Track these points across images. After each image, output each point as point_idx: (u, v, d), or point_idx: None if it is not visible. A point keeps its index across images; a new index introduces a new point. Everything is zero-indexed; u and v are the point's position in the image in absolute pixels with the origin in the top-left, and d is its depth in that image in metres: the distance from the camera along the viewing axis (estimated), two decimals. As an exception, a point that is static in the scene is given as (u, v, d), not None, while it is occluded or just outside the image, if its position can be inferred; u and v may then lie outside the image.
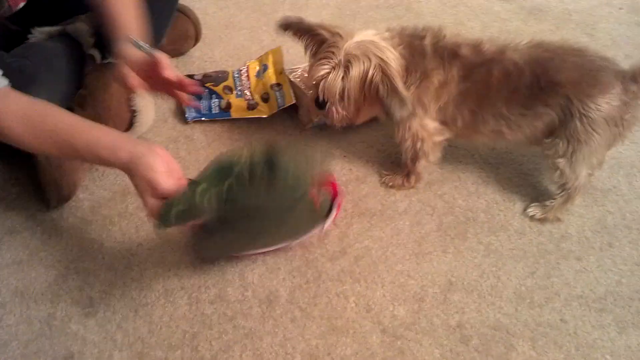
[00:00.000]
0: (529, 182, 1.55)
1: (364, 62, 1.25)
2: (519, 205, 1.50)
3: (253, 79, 1.72)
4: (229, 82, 1.72)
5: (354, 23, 1.96)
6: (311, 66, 1.34)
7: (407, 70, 1.31)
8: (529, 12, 2.07)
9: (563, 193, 1.41)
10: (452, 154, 1.60)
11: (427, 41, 1.32)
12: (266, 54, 1.76)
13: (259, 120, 1.64)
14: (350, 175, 1.55)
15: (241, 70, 1.75)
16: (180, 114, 1.65)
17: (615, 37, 1.98)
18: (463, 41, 1.33)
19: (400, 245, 1.41)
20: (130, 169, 1.04)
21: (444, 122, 1.38)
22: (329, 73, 1.28)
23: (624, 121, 1.29)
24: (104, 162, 1.06)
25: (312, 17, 1.92)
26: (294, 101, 1.64)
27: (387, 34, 1.33)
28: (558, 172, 1.37)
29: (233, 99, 1.66)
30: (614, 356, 1.25)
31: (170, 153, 1.06)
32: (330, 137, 1.62)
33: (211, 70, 1.76)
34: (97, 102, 1.44)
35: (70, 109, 1.39)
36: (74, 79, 1.43)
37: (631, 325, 1.29)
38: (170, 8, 1.63)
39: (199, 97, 1.65)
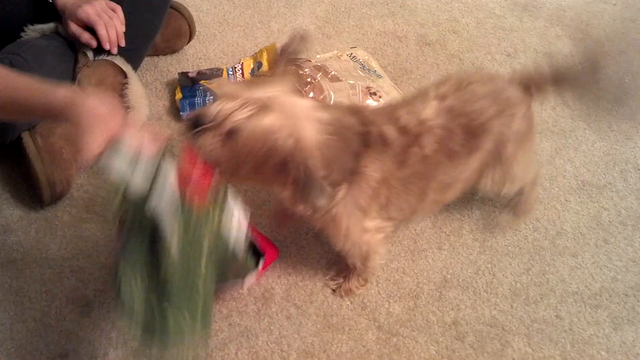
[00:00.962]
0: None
1: (279, 124, 0.95)
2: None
3: (248, 77, 1.71)
4: (223, 79, 1.71)
5: (348, 20, 1.95)
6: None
7: (329, 165, 1.00)
8: (524, 9, 2.06)
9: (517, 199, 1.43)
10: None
11: (355, 129, 1.08)
12: (260, 51, 1.75)
13: (253, 117, 1.64)
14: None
15: (235, 67, 1.74)
16: (175, 112, 1.64)
17: (609, 33, 1.98)
18: (382, 120, 1.14)
19: (395, 242, 1.41)
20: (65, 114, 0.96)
21: (388, 218, 1.22)
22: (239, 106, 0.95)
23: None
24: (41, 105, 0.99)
25: (306, 14, 1.93)
26: (288, 98, 1.64)
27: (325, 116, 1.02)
28: (503, 194, 1.35)
29: (227, 96, 1.65)
30: (609, 352, 1.25)
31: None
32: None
33: (205, 68, 1.75)
34: (90, 100, 1.43)
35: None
36: (65, 77, 1.43)
37: (626, 322, 1.30)
38: (164, 5, 1.63)
39: (192, 94, 1.64)
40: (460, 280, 1.35)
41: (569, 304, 1.33)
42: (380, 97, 1.66)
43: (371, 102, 1.65)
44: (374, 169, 1.10)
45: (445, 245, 1.41)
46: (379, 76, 1.72)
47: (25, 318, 1.23)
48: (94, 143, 0.92)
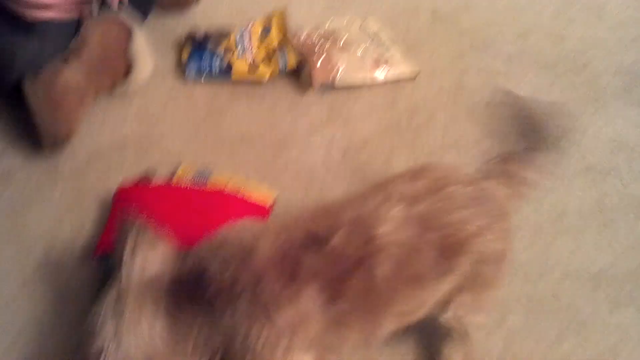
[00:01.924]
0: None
1: None
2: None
3: (255, 41, 1.69)
4: (231, 43, 1.68)
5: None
6: None
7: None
8: (537, -8, 2.05)
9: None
10: (453, 127, 1.59)
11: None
12: (270, 15, 1.73)
13: (259, 83, 1.62)
14: (349, 142, 1.54)
15: (244, 31, 1.71)
16: (180, 73, 1.62)
17: (623, 18, 1.97)
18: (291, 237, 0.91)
19: (397, 213, 1.40)
20: None
21: (326, 349, 0.94)
22: None
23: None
24: None
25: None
26: (296, 66, 1.62)
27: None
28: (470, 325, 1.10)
29: (234, 60, 1.63)
30: (604, 333, 1.26)
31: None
32: (331, 104, 1.60)
33: (213, 30, 1.73)
34: (93, 53, 1.41)
35: (65, 59, 1.37)
36: (69, 30, 1.42)
37: (623, 304, 1.30)
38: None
39: (200, 56, 1.62)
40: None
41: (567, 284, 1.33)
42: (389, 67, 1.65)
43: (380, 73, 1.64)
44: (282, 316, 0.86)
45: (447, 219, 1.40)
46: (389, 48, 1.70)
47: (22, 264, 1.22)
48: None
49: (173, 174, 1.37)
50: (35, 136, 1.37)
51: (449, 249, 0.92)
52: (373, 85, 1.65)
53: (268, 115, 1.56)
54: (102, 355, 0.85)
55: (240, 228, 0.97)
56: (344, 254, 0.88)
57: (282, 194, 1.39)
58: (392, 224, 0.90)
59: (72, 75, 1.38)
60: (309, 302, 0.87)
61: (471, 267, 0.95)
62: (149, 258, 0.92)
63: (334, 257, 0.88)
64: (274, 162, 1.46)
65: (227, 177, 1.37)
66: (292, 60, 1.62)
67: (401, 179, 0.98)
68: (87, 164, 1.39)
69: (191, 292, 0.87)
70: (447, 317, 1.05)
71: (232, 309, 0.85)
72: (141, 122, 1.48)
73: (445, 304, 1.02)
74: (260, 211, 1.30)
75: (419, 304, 0.96)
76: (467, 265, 0.94)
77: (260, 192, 1.34)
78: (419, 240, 0.90)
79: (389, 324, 0.96)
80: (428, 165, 1.04)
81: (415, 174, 0.99)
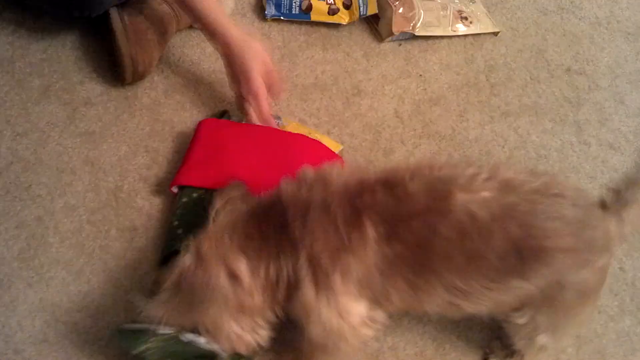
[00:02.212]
0: (608, 126, 1.50)
1: None
2: (594, 149, 1.46)
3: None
4: (312, -17, 1.67)
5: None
6: None
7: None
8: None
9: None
10: (533, 88, 1.55)
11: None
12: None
13: (337, 26, 1.61)
14: (424, 95, 1.51)
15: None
16: (260, 10, 1.62)
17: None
18: (366, 177, 0.93)
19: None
20: (229, 53, 1.28)
21: (374, 300, 0.93)
22: None
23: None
24: (215, 30, 1.27)
25: None
26: (376, 11, 1.60)
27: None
28: (533, 345, 1.04)
29: (315, 1, 1.62)
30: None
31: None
32: (408, 54, 1.58)
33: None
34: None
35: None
36: None
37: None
38: None
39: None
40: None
41: (634, 258, 1.30)
42: (471, 22, 1.61)
43: (461, 27, 1.60)
44: (333, 236, 0.88)
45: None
46: (473, 1, 1.66)
47: (98, 189, 1.26)
48: (258, 79, 1.26)
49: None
50: (116, 66, 1.40)
51: (527, 251, 0.86)
52: (453, 38, 1.62)
53: (342, 62, 1.55)
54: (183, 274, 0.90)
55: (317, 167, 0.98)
56: (414, 199, 0.87)
57: (350, 142, 1.40)
58: (476, 196, 0.86)
59: (157, 6, 1.40)
60: (366, 231, 0.87)
61: (548, 285, 0.89)
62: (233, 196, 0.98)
63: (403, 198, 0.88)
64: (344, 110, 1.46)
65: (295, 125, 1.38)
66: (372, 5, 1.59)
67: (516, 170, 0.92)
68: (165, 96, 1.41)
69: (265, 221, 0.91)
70: (515, 328, 1.01)
71: (300, 226, 0.88)
72: (218, 59, 1.48)
73: (508, 311, 0.98)
74: (336, 158, 1.31)
75: (473, 289, 0.90)
76: (543, 280, 0.88)
77: (327, 144, 1.34)
78: (496, 225, 0.85)
79: (438, 295, 0.91)
80: (550, 174, 1.02)
81: (533, 172, 0.94)
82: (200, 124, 1.30)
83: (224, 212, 0.96)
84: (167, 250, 1.14)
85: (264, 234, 0.91)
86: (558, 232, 0.86)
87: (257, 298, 0.92)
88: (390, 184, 0.89)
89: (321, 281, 0.88)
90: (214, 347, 0.98)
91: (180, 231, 1.15)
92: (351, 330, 0.93)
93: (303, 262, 0.88)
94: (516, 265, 0.87)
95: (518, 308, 0.97)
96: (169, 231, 1.18)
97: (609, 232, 0.92)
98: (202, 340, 0.98)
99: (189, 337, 0.97)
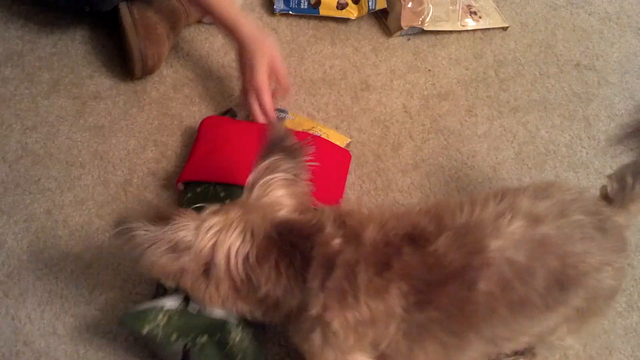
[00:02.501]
0: (617, 122, 1.49)
1: None
2: (603, 145, 1.45)
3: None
4: (321, -22, 1.67)
5: None
6: None
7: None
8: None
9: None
10: (542, 83, 1.55)
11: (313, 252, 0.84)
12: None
13: (346, 21, 1.61)
14: (432, 90, 1.51)
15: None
16: (269, 5, 1.62)
17: None
18: (390, 231, 0.86)
19: (474, 167, 1.39)
20: (239, 47, 1.30)
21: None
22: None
23: None
24: (226, 24, 1.30)
25: None
26: (385, 6, 1.60)
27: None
28: (556, 347, 1.05)
29: (324, -5, 1.62)
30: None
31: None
32: (417, 49, 1.58)
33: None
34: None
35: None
36: None
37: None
38: None
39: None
40: (536, 214, 1.33)
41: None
42: (480, 17, 1.60)
43: (470, 21, 1.60)
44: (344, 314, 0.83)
45: (526, 178, 1.38)
46: (483, -4, 1.66)
47: (107, 182, 1.27)
48: (262, 73, 1.28)
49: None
50: (125, 61, 1.40)
51: (567, 280, 0.84)
52: (462, 33, 1.62)
53: (351, 57, 1.55)
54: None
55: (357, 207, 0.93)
56: (446, 259, 0.82)
57: (358, 137, 1.40)
58: (508, 240, 0.82)
59: (167, 1, 1.40)
60: (394, 302, 0.82)
61: (583, 302, 0.88)
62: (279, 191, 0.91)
63: (434, 260, 0.83)
64: (353, 105, 1.46)
65: (301, 119, 1.38)
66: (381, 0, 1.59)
67: (524, 194, 0.89)
68: (174, 91, 1.41)
69: (293, 242, 0.85)
70: (542, 339, 0.98)
71: (320, 281, 0.83)
72: (226, 53, 1.49)
73: (543, 336, 0.96)
74: (343, 154, 1.31)
75: (517, 333, 0.89)
76: (580, 300, 0.87)
77: (334, 137, 1.34)
78: (535, 264, 0.82)
79: (475, 349, 0.88)
80: (554, 184, 0.96)
81: (540, 191, 0.90)
82: (202, 122, 1.30)
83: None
84: None
85: (285, 259, 0.85)
86: (589, 252, 0.85)
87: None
88: (417, 240, 0.84)
89: (332, 341, 0.86)
90: (222, 314, 0.97)
91: None
92: None
93: (314, 316, 0.84)
94: (558, 297, 0.85)
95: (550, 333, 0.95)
96: None
97: (622, 229, 0.91)
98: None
99: (196, 307, 0.97)
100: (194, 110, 1.39)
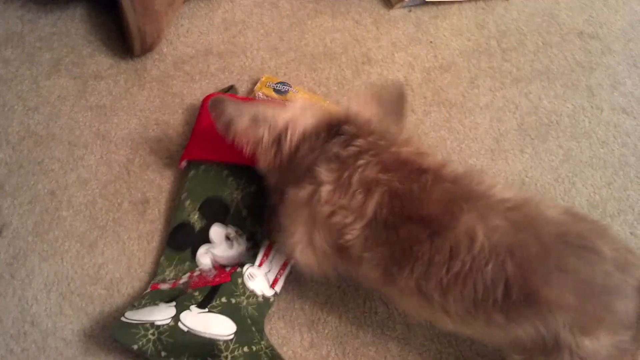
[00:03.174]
0: (621, 90, 1.48)
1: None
2: (606, 114, 1.44)
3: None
4: (320, -50, 1.65)
5: None
6: None
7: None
8: None
9: None
10: (544, 53, 1.53)
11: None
12: None
13: (346, -7, 1.59)
14: (434, 62, 1.50)
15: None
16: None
17: None
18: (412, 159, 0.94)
19: (477, 139, 1.38)
20: None
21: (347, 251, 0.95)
22: None
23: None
24: None
25: None
26: (386, -23, 1.58)
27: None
28: None
29: (323, -32, 1.60)
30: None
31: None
32: (418, 21, 1.56)
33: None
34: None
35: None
36: None
37: None
38: None
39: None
40: (538, 185, 1.33)
41: (644, 227, 1.30)
42: (482, -13, 1.58)
43: (472, -8, 1.57)
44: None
45: (528, 149, 1.37)
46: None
47: (110, 162, 1.28)
48: None
49: (255, 83, 1.38)
50: (124, 40, 1.40)
51: (517, 291, 0.80)
52: (464, 3, 1.60)
53: (352, 30, 1.54)
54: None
55: None
56: (429, 200, 0.87)
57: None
58: (486, 220, 0.84)
59: (163, -23, 1.40)
60: (371, 202, 0.90)
61: (542, 338, 0.82)
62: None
63: (420, 195, 0.88)
64: (354, 79, 1.45)
65: (304, 94, 1.38)
66: (382, -29, 1.58)
67: (555, 206, 0.88)
68: (174, 68, 1.41)
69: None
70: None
71: (337, 148, 0.95)
72: (226, 29, 1.49)
73: (502, 347, 0.94)
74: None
75: (449, 305, 0.87)
76: (533, 329, 0.82)
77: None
78: (491, 260, 0.82)
79: (408, 293, 0.90)
80: (598, 223, 0.91)
81: (575, 215, 0.87)
82: (204, 99, 1.30)
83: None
84: (175, 223, 1.16)
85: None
86: (561, 286, 0.79)
87: None
88: (423, 173, 0.90)
89: (313, 202, 0.94)
90: (212, 332, 1.00)
91: (187, 203, 1.17)
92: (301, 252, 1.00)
93: (313, 174, 0.95)
94: (502, 301, 0.82)
95: (514, 349, 0.90)
96: (177, 204, 1.19)
97: (629, 309, 0.81)
98: (200, 328, 1.00)
99: (187, 324, 1.00)
100: (195, 87, 1.39)
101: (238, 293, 1.06)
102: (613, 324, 0.79)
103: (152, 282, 1.11)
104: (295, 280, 1.17)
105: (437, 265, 0.85)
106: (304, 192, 0.95)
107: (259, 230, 1.17)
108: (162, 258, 1.13)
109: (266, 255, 1.13)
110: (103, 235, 1.19)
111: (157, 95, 1.37)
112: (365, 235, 0.91)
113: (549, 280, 0.79)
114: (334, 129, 0.97)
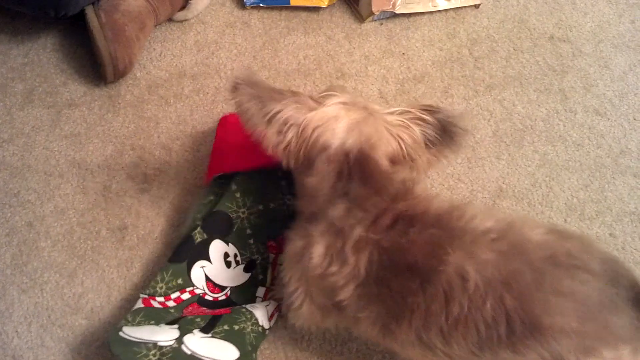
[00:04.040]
0: (593, 92, 1.49)
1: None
2: (580, 116, 1.45)
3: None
4: (290, -33, 1.66)
5: None
6: None
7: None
8: None
9: None
10: (516, 59, 1.54)
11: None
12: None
13: (317, 9, 1.60)
14: (407, 73, 1.51)
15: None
16: (239, -1, 1.61)
17: None
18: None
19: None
20: None
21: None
22: None
23: None
24: None
25: None
26: (356, -9, 1.59)
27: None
28: None
29: (293, -15, 1.61)
30: (661, 274, 1.24)
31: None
32: (390, 33, 1.57)
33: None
34: (153, -21, 1.43)
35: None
36: None
37: (682, 246, 1.28)
38: None
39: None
40: (516, 191, 1.33)
41: (624, 223, 1.31)
42: (451, -3, 1.59)
43: (442, 1, 1.59)
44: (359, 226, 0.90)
45: (504, 155, 1.38)
46: (452, -25, 1.65)
47: (86, 190, 1.27)
48: None
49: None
50: (97, 67, 1.40)
51: (519, 324, 0.79)
52: (434, 14, 1.61)
53: (324, 46, 1.54)
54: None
55: None
56: (415, 248, 0.86)
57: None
58: (474, 257, 0.82)
59: (133, 2, 1.40)
60: (363, 261, 0.88)
61: None
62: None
63: (407, 245, 0.86)
64: (330, 93, 1.46)
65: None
66: (351, -14, 1.59)
67: (538, 226, 0.86)
68: (148, 92, 1.41)
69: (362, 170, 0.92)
70: None
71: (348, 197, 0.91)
72: (199, 50, 1.49)
73: None
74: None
75: (454, 352, 0.85)
76: (539, 358, 0.80)
77: None
78: (489, 297, 0.80)
79: (409, 344, 0.89)
80: (582, 238, 0.88)
81: (560, 233, 0.86)
82: (220, 120, 1.29)
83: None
84: (180, 239, 1.15)
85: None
86: (560, 311, 0.78)
87: None
88: (410, 221, 0.88)
89: (304, 259, 0.93)
90: (215, 357, 0.99)
91: (196, 216, 1.16)
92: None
93: (314, 218, 0.93)
94: (506, 337, 0.80)
95: None
96: (192, 221, 1.18)
97: (632, 322, 0.80)
98: (203, 352, 0.99)
99: (191, 347, 0.98)
100: (170, 110, 1.39)
101: (243, 319, 1.05)
102: (613, 340, 0.78)
103: (142, 294, 1.09)
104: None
105: (434, 313, 0.83)
106: (298, 243, 0.94)
107: (259, 254, 1.17)
108: (158, 272, 1.11)
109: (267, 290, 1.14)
110: (82, 265, 1.18)
111: (132, 121, 1.36)
112: (359, 294, 0.89)
113: (548, 307, 0.78)
114: (346, 172, 0.91)
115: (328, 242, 0.90)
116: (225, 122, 1.28)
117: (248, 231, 1.16)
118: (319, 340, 1.14)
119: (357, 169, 0.91)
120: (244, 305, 1.09)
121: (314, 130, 0.92)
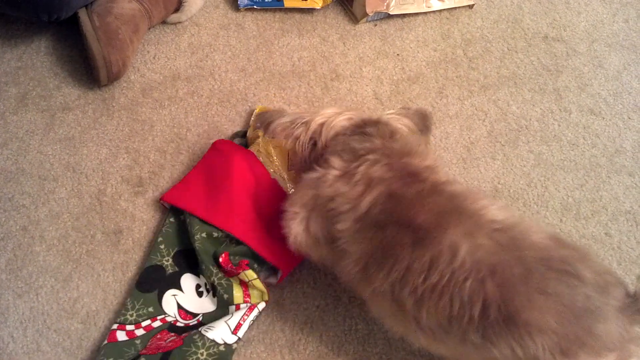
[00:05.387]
0: (588, 91, 1.49)
1: None
2: (574, 116, 1.45)
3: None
4: (284, -31, 1.66)
5: None
6: None
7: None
8: None
9: None
10: (511, 59, 1.55)
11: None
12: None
13: (311, 11, 1.60)
14: (402, 74, 1.51)
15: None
16: (233, 1, 1.61)
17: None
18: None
19: (448, 149, 1.39)
20: None
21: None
22: None
23: None
24: None
25: None
26: (349, -7, 1.59)
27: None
28: None
29: (287, -14, 1.61)
30: (657, 272, 1.24)
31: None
32: (384, 34, 1.57)
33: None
34: (146, -18, 1.42)
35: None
36: None
37: (678, 245, 1.28)
38: None
39: (252, -16, 1.60)
40: (511, 191, 1.34)
41: (620, 222, 1.31)
42: (445, -3, 1.60)
43: (436, 2, 1.59)
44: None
45: (499, 156, 1.38)
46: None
47: (81, 194, 1.27)
48: None
49: (250, 115, 1.40)
50: (90, 70, 1.39)
51: (495, 312, 0.79)
52: (428, 14, 1.61)
53: (319, 47, 1.54)
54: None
55: None
56: (421, 208, 0.88)
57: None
58: (470, 238, 0.83)
59: (127, 4, 1.39)
60: (367, 197, 0.92)
61: None
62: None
63: (414, 200, 0.89)
64: (323, 96, 1.46)
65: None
66: (345, -13, 1.59)
67: (542, 231, 0.86)
68: (142, 95, 1.41)
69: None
70: None
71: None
72: (193, 53, 1.49)
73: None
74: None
75: (422, 317, 0.86)
76: (510, 351, 0.80)
77: None
78: (471, 277, 0.81)
79: (384, 301, 0.91)
80: (580, 250, 0.86)
81: (560, 241, 0.86)
82: (214, 144, 1.28)
83: None
84: (148, 264, 1.16)
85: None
86: (542, 308, 0.78)
87: None
88: (421, 179, 0.93)
89: (319, 182, 0.99)
90: None
91: (162, 247, 1.19)
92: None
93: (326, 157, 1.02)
94: (478, 320, 0.81)
95: None
96: (152, 245, 1.19)
97: (620, 331, 0.80)
98: None
99: None
100: (164, 113, 1.39)
101: (193, 350, 1.05)
102: (596, 346, 0.78)
103: (115, 323, 1.10)
104: (275, 302, 1.17)
105: (414, 272, 0.85)
106: (315, 174, 1.00)
107: (215, 276, 1.15)
108: (128, 299, 1.13)
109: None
110: (77, 269, 1.17)
111: (126, 124, 1.36)
112: (355, 228, 0.93)
113: (530, 303, 0.78)
114: (359, 130, 1.04)
115: (344, 165, 0.97)
116: (215, 151, 1.28)
117: (200, 258, 1.16)
118: (316, 343, 1.13)
119: (375, 130, 1.02)
120: (198, 330, 1.08)
121: (320, 126, 1.07)
